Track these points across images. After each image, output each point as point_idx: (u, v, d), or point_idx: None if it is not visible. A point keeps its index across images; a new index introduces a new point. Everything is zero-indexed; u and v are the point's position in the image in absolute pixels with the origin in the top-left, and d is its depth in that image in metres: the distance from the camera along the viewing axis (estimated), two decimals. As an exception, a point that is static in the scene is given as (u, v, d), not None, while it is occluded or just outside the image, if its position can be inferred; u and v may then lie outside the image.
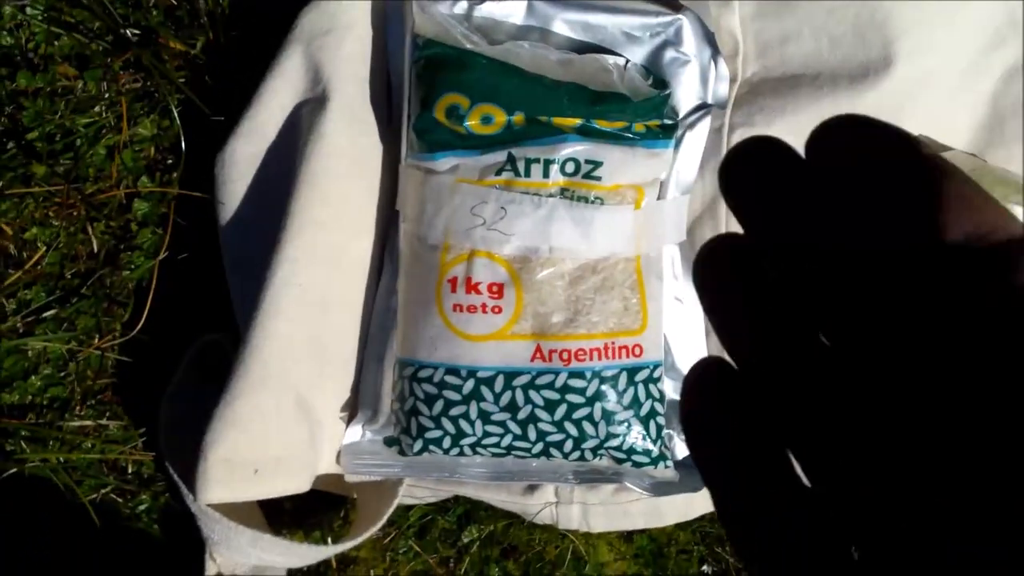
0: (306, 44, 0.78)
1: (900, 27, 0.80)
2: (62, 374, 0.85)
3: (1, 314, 0.84)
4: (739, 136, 0.81)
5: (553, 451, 0.75)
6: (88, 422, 0.85)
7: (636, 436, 0.75)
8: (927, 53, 0.80)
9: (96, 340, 0.85)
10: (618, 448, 0.75)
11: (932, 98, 0.81)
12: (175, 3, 0.84)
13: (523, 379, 0.73)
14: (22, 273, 0.84)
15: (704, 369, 0.27)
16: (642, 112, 0.75)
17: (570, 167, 0.73)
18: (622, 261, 0.75)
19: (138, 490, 0.87)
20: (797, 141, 0.82)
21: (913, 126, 0.81)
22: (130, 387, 0.86)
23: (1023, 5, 0.82)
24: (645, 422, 0.76)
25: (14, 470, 0.83)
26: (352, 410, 0.80)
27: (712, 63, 0.79)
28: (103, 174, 0.85)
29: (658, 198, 0.78)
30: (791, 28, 0.82)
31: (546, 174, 0.73)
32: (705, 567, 0.94)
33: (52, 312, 0.85)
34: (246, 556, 0.77)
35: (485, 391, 0.73)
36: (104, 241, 0.85)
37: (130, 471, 0.86)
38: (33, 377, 0.85)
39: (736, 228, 0.77)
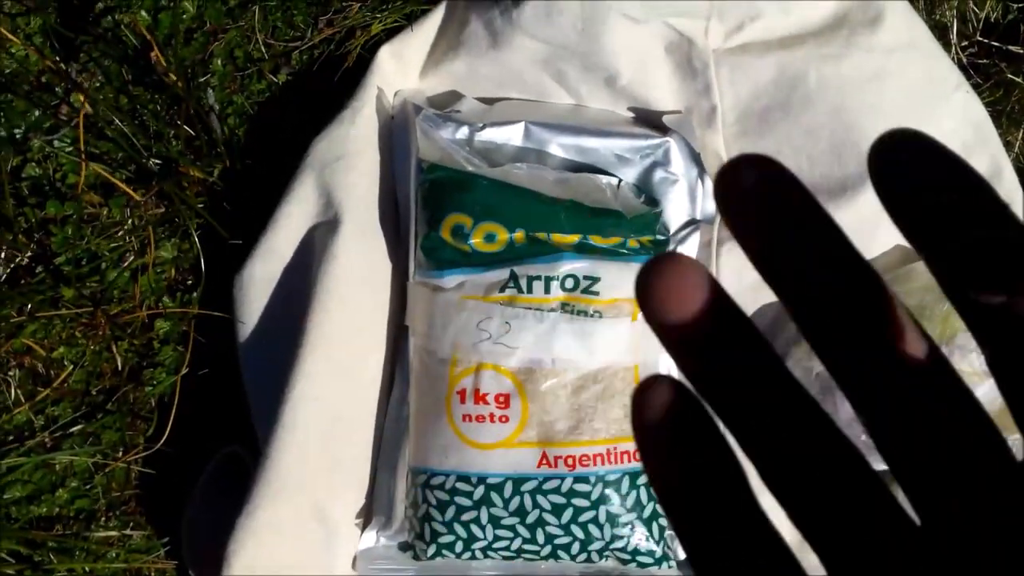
0: (319, 171, 0.84)
1: (873, 145, 0.85)
2: (88, 487, 0.89)
3: (30, 430, 0.88)
4: (728, 250, 0.86)
5: (561, 553, 0.79)
6: (113, 532, 0.89)
7: (640, 537, 0.79)
8: (900, 168, 0.85)
9: (121, 453, 0.89)
10: (623, 549, 0.79)
11: (907, 209, 0.86)
12: (193, 134, 0.90)
13: (531, 485, 0.77)
14: (50, 391, 0.88)
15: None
16: (636, 228, 0.81)
17: (569, 283, 0.78)
18: (621, 370, 0.80)
19: (160, 598, 0.90)
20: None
21: (891, 236, 0.88)
22: (154, 498, 0.90)
23: (990, 120, 0.88)
24: (648, 524, 0.80)
25: (41, 581, 0.87)
26: (367, 516, 0.84)
27: (699, 181, 0.85)
28: (127, 295, 0.90)
29: (653, 309, 0.82)
30: (772, 147, 0.87)
31: (547, 290, 0.78)
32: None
33: (79, 427, 0.89)
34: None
35: (495, 497, 0.77)
36: (128, 359, 0.90)
37: (153, 580, 0.90)
38: (60, 490, 0.89)
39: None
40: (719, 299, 0.24)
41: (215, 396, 0.89)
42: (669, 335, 0.25)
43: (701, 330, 0.24)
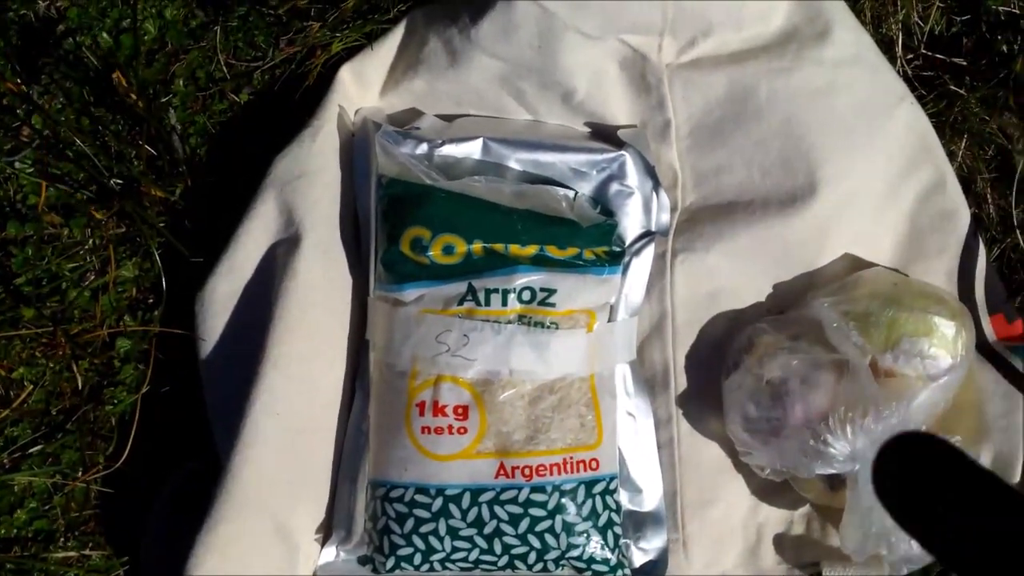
0: (279, 188, 0.84)
1: (822, 156, 0.87)
2: (47, 507, 0.89)
3: (-11, 451, 0.88)
4: (681, 261, 0.88)
5: (518, 563, 0.79)
6: (72, 553, 0.89)
7: (595, 546, 0.80)
8: (848, 179, 0.87)
9: (80, 473, 0.89)
10: (579, 558, 0.80)
11: (855, 219, 0.88)
12: (155, 153, 0.90)
13: (488, 495, 0.78)
14: (9, 411, 0.88)
15: None
16: (592, 239, 0.82)
17: (526, 295, 0.80)
18: (577, 381, 0.81)
19: (122, 617, 0.90)
20: (734, 263, 0.89)
21: (839, 245, 0.90)
22: (113, 517, 0.89)
23: (934, 131, 0.90)
24: (603, 532, 0.81)
25: (1, 603, 0.87)
26: (327, 531, 0.84)
27: (654, 194, 0.86)
28: (88, 314, 0.90)
29: (608, 320, 0.84)
30: (724, 160, 0.89)
31: (504, 302, 0.79)
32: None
33: (38, 448, 0.89)
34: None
35: (453, 508, 0.78)
36: (88, 378, 0.90)
37: (114, 599, 0.90)
38: (19, 511, 0.88)
39: (681, 346, 0.83)
40: None
41: (176, 414, 0.89)
42: None
43: None
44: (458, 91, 0.88)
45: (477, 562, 0.79)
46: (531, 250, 0.80)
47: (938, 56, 0.94)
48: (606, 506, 0.81)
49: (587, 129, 0.90)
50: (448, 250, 0.80)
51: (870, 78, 0.88)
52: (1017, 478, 0.84)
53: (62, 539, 0.89)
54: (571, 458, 0.80)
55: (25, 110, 0.90)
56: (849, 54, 0.88)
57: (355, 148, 0.88)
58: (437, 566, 0.79)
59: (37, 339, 0.89)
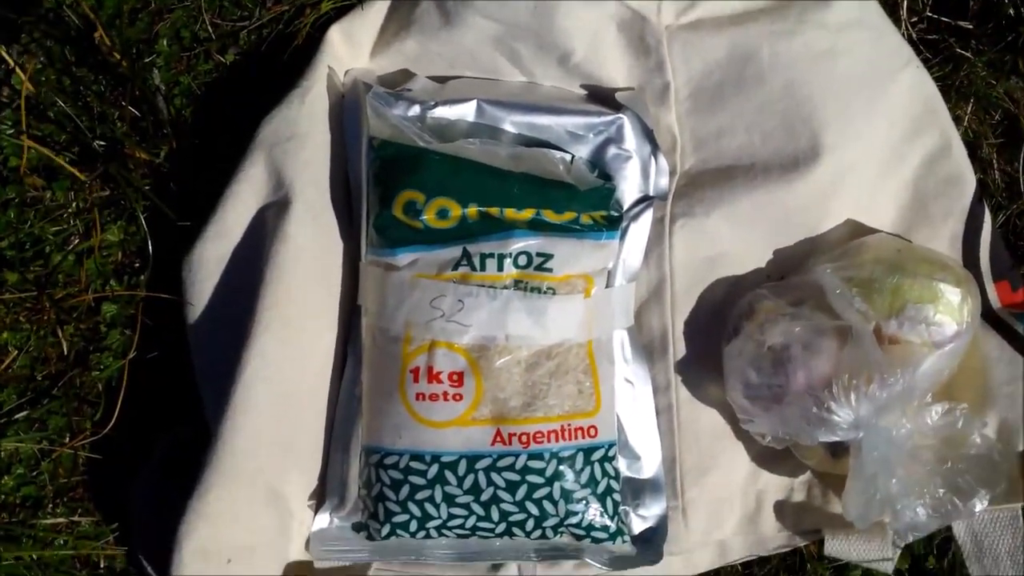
0: (268, 150, 0.83)
1: (825, 120, 0.86)
2: (34, 473, 0.88)
3: (-27, 418, 0.87)
4: (680, 226, 0.86)
5: (515, 530, 0.78)
6: (61, 519, 0.88)
7: (594, 513, 0.79)
8: (851, 143, 0.86)
9: (67, 439, 0.87)
10: (577, 525, 0.79)
11: (858, 184, 0.87)
12: (139, 115, 0.88)
13: (485, 462, 0.77)
14: (-7, 377, 0.87)
15: None
16: (589, 203, 0.80)
17: (522, 260, 0.78)
18: (575, 347, 0.80)
19: (110, 585, 0.89)
20: (734, 228, 0.88)
21: (842, 210, 0.89)
22: (102, 483, 0.88)
23: (939, 95, 0.89)
24: (602, 499, 0.80)
25: (-13, 570, 0.85)
26: (320, 498, 0.83)
27: (652, 158, 0.85)
28: (72, 279, 0.88)
29: (606, 286, 0.82)
30: (725, 124, 0.88)
31: (500, 267, 0.78)
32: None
33: (24, 413, 0.87)
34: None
35: (449, 475, 0.77)
36: (74, 343, 0.88)
37: (102, 566, 0.88)
38: (6, 477, 0.87)
39: (680, 310, 0.82)
40: None
41: (164, 380, 0.87)
42: None
43: None
44: (451, 52, 0.86)
45: (474, 529, 0.78)
46: (527, 214, 0.79)
47: (944, 19, 0.93)
48: (605, 473, 0.80)
49: (584, 92, 0.88)
50: (442, 214, 0.78)
51: (874, 41, 0.87)
52: (1022, 445, 0.83)
53: (51, 505, 0.88)
54: (569, 425, 0.79)
55: (5, 70, 0.88)
56: (852, 17, 0.87)
57: (345, 110, 0.86)
58: (433, 533, 0.79)
59: (21, 304, 0.88)
